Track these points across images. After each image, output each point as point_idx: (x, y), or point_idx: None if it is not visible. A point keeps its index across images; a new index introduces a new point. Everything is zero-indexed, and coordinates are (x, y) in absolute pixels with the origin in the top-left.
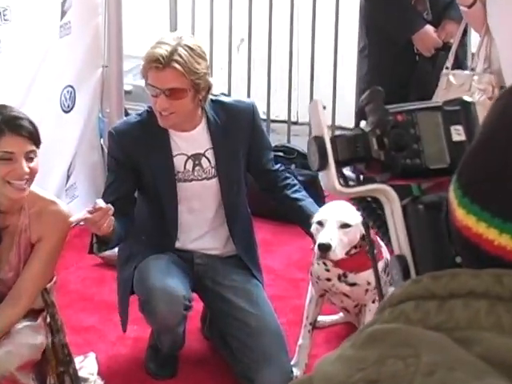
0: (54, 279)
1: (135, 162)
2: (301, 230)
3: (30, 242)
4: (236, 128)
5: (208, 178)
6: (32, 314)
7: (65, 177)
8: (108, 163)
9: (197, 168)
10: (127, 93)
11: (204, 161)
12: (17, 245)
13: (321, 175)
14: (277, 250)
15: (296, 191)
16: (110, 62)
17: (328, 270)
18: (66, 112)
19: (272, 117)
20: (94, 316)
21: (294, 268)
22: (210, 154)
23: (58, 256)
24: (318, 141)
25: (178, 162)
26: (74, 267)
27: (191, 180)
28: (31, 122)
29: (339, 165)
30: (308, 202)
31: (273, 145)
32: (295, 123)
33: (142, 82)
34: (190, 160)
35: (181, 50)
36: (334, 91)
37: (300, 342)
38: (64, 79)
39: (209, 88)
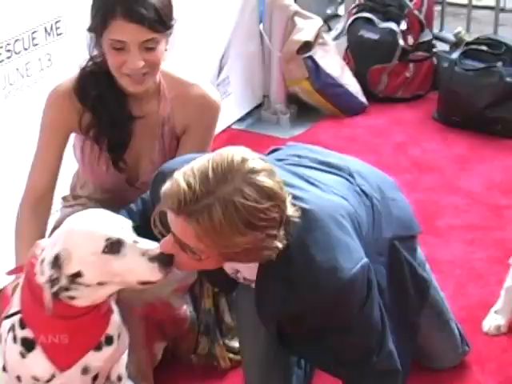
0: None
1: None
2: (504, 145)
3: (175, 133)
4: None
5: None
6: None
7: (217, 69)
8: None
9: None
10: None
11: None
12: (160, 138)
13: None
14: (474, 169)
15: None
16: None
17: None
18: None
19: (474, 1)
20: None
21: (496, 192)
22: None
23: (207, 150)
24: None
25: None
26: None
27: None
28: (157, 8)
29: None
30: None
31: (475, 37)
32: (503, 10)
33: None
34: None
35: (215, 207)
36: None
37: (507, 283)
38: None
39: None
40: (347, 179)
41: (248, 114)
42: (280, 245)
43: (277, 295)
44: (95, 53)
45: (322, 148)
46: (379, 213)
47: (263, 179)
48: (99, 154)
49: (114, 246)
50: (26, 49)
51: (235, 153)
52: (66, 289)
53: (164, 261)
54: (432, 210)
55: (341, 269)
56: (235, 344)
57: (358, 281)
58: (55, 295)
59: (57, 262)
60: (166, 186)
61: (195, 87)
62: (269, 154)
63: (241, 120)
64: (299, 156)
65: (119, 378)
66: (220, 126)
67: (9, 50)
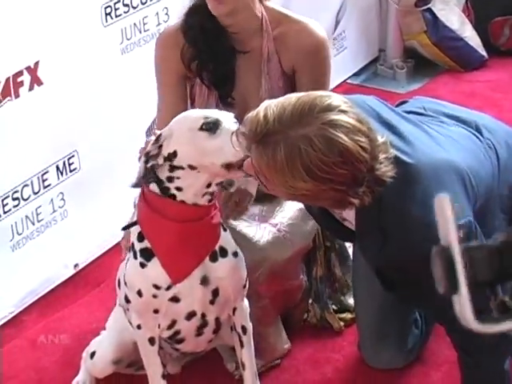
0: None
1: None
2: None
3: (283, 71)
4: None
5: None
6: None
7: (333, 23)
8: None
9: None
10: None
11: None
12: (265, 76)
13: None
14: None
15: None
16: None
17: None
18: None
19: None
20: None
21: None
22: None
23: (325, 87)
24: (445, 254)
25: None
26: None
27: None
28: None
29: (477, 288)
30: None
31: None
32: None
33: None
34: None
35: (280, 146)
36: None
37: None
38: None
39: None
40: (473, 133)
41: (364, 69)
42: (357, 201)
43: (373, 244)
44: None
45: (447, 102)
46: (505, 169)
47: (339, 135)
48: (208, 92)
49: (210, 125)
50: (143, 3)
51: (324, 99)
52: (168, 180)
53: None
54: None
55: (435, 226)
56: (349, 301)
57: None
58: (163, 191)
59: (158, 140)
60: (252, 111)
61: (299, 25)
62: (397, 106)
63: (356, 74)
64: (425, 108)
65: (244, 330)
66: (335, 81)
67: (126, 5)
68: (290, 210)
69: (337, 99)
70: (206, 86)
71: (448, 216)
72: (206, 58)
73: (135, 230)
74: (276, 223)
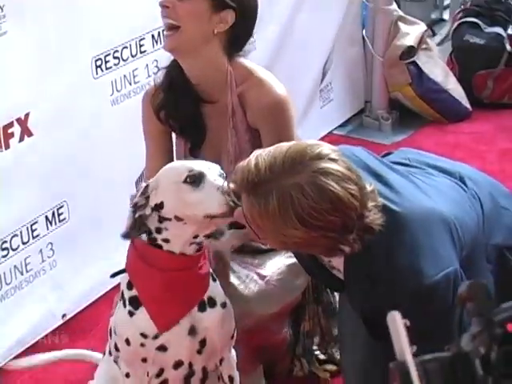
0: None
1: None
2: None
3: (248, 126)
4: None
5: None
6: None
7: (320, 74)
8: None
9: None
10: None
11: None
12: (231, 129)
13: None
14: None
15: None
16: None
17: None
18: None
19: None
20: None
21: None
22: None
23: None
24: (401, 369)
25: None
26: None
27: None
28: None
29: None
30: None
31: None
32: None
33: None
34: None
35: (272, 195)
36: None
37: None
38: None
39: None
40: (457, 184)
41: (349, 120)
42: (347, 249)
43: (360, 290)
44: None
45: (431, 153)
46: (489, 218)
47: (329, 182)
48: (184, 143)
49: (194, 178)
50: (133, 56)
51: (314, 148)
52: (157, 231)
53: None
54: None
55: (422, 273)
56: (336, 355)
57: (439, 289)
58: (151, 240)
59: (145, 191)
60: (243, 161)
61: (259, 83)
62: (381, 157)
63: (342, 126)
64: (409, 159)
65: (231, 380)
66: (322, 132)
67: (116, 58)
68: (282, 263)
69: (326, 148)
70: (179, 136)
71: (401, 331)
72: (171, 106)
73: (125, 278)
74: (265, 275)
